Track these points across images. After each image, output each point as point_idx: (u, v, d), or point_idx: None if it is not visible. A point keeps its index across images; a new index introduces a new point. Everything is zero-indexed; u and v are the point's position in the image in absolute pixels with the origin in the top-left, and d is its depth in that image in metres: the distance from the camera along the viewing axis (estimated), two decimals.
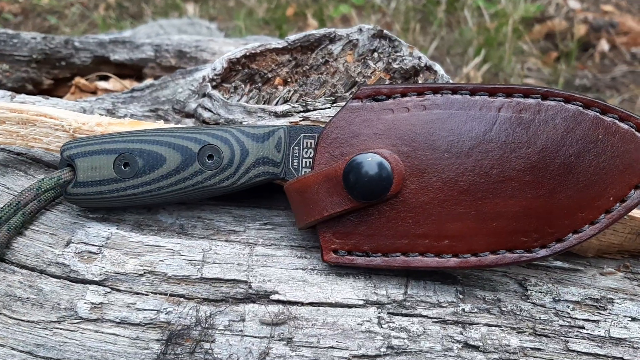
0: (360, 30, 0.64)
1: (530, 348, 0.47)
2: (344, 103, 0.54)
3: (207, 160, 0.49)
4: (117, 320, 0.46)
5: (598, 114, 0.46)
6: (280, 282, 0.48)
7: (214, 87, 0.63)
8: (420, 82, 0.60)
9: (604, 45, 1.88)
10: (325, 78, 0.60)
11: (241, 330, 0.46)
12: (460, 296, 0.49)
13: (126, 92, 0.72)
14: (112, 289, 0.47)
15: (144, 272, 0.48)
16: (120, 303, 0.47)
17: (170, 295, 0.47)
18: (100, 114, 0.66)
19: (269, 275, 0.48)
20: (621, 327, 0.48)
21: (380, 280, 0.49)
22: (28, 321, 0.46)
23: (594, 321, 0.48)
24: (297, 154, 0.50)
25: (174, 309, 0.46)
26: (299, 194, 0.48)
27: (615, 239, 0.54)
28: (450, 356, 0.45)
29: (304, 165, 0.50)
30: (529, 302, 0.49)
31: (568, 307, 0.49)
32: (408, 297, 0.48)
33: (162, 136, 0.49)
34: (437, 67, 0.62)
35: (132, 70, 0.97)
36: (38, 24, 2.10)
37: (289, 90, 0.60)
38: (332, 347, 0.45)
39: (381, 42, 0.63)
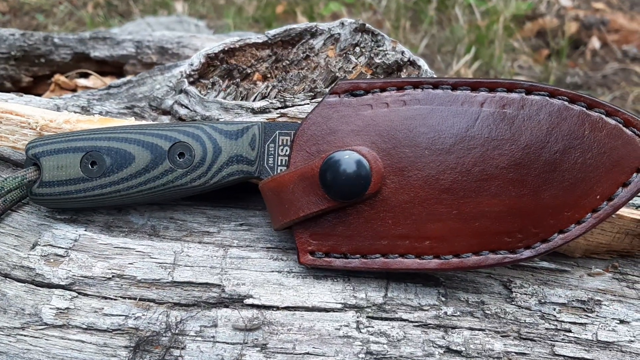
0: (343, 24, 0.62)
1: (515, 352, 0.45)
2: (321, 99, 0.52)
3: (178, 158, 0.47)
4: (84, 326, 0.44)
5: (584, 109, 0.45)
6: (255, 285, 0.46)
7: (191, 83, 0.61)
8: (402, 77, 0.58)
9: (595, 42, 1.87)
10: (305, 73, 0.58)
11: (213, 337, 0.44)
12: (443, 299, 0.47)
13: (102, 89, 0.70)
14: (79, 293, 0.45)
15: (113, 276, 0.46)
16: (87, 308, 0.45)
17: (140, 299, 0.45)
18: (74, 112, 0.64)
19: (243, 278, 0.46)
20: (609, 330, 0.46)
21: (359, 282, 0.47)
22: None
23: (581, 324, 0.47)
24: (272, 152, 0.48)
25: (143, 314, 0.44)
26: (274, 193, 0.46)
27: (604, 238, 0.52)
28: None
29: (279, 163, 0.48)
30: (514, 304, 0.47)
31: (554, 309, 0.47)
32: (388, 300, 0.46)
33: (131, 133, 0.47)
34: (421, 62, 0.60)
35: (113, 67, 0.95)
36: (26, 23, 2.08)
37: (268, 86, 0.58)
38: (308, 353, 0.44)
39: (363, 36, 0.61)
